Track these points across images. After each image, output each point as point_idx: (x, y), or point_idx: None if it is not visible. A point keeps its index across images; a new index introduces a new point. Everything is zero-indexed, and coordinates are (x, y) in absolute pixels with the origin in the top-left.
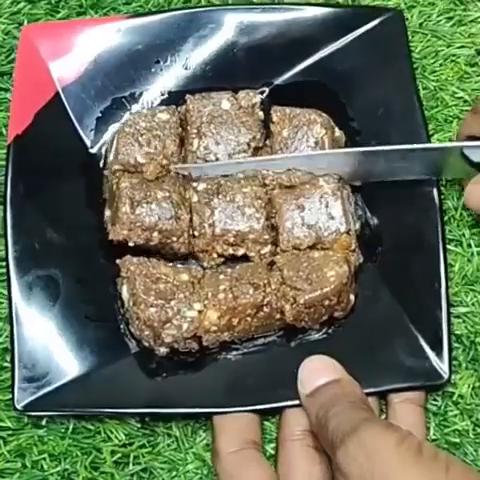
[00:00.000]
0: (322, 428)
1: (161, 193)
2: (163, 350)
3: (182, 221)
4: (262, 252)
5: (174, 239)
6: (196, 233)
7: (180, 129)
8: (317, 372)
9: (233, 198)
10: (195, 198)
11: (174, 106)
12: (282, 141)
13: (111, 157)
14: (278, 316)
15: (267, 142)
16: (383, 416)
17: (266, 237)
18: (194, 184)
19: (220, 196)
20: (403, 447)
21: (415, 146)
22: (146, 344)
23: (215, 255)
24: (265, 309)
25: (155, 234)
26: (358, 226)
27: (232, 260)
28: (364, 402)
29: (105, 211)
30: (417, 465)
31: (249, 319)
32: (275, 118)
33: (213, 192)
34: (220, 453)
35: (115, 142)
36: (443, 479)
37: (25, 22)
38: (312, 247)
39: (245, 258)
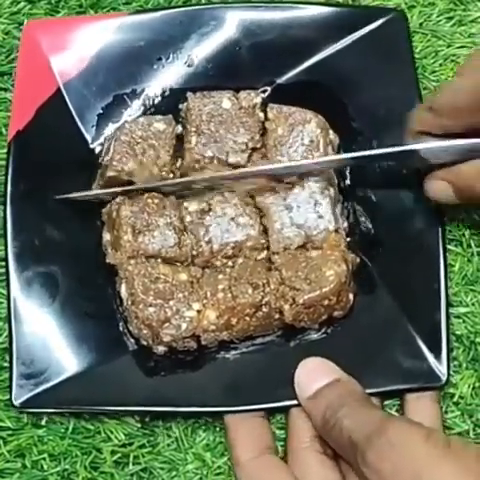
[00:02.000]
0: (332, 429)
1: (162, 220)
2: (161, 349)
3: (186, 246)
4: (258, 258)
5: (178, 264)
6: (194, 252)
7: (174, 141)
8: (314, 374)
9: (225, 212)
10: (188, 218)
11: (171, 116)
12: (276, 139)
13: (107, 162)
14: (277, 316)
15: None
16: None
17: (263, 241)
18: (185, 204)
19: (211, 213)
20: (431, 441)
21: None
22: (144, 343)
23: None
24: (264, 309)
25: (159, 260)
26: (346, 225)
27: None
28: (368, 399)
29: (104, 234)
30: (448, 456)
31: (248, 319)
32: (271, 115)
33: (204, 211)
34: (241, 461)
35: (111, 149)
36: (474, 467)
37: (25, 22)
38: (302, 246)
39: None
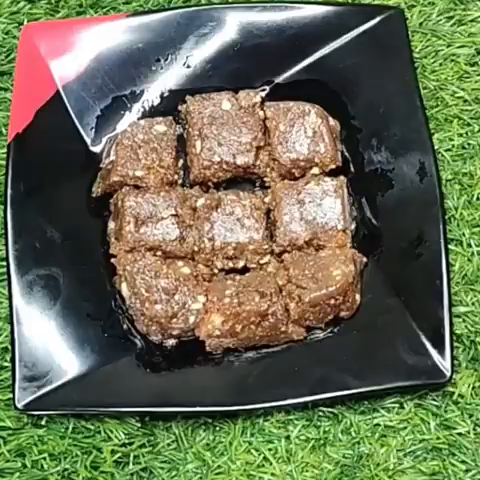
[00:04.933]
0: None
1: (167, 211)
2: (172, 342)
3: (187, 244)
4: (261, 262)
5: (177, 260)
6: (195, 248)
7: (176, 142)
8: None
9: (232, 211)
10: (195, 213)
11: (171, 117)
12: (280, 136)
13: (109, 166)
14: (283, 328)
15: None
16: (378, 420)
17: (265, 247)
18: (194, 198)
19: (219, 210)
20: None
21: None
22: (154, 338)
23: (216, 270)
24: (270, 319)
25: (159, 253)
26: (353, 227)
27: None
28: None
29: (109, 223)
30: None
31: (253, 327)
32: (269, 114)
33: (212, 207)
34: None
35: (113, 153)
36: None
37: (25, 22)
38: (308, 243)
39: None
